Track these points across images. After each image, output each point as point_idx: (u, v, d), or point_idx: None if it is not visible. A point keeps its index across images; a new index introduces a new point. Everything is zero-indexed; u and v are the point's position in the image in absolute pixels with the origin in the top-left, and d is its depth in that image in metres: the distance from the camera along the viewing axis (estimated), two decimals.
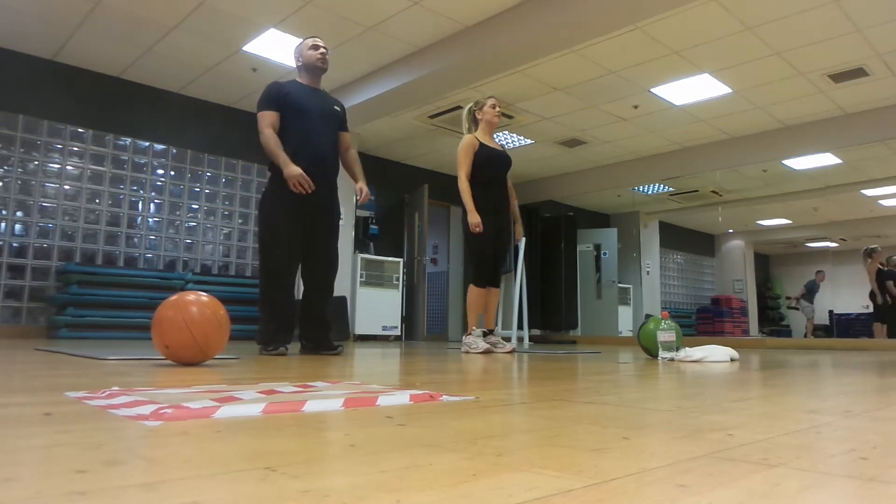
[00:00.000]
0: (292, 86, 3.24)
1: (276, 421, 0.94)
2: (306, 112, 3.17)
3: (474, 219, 3.88)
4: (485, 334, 4.11)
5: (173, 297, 2.15)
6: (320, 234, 3.25)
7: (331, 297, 3.38)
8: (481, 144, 4.03)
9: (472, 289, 4.09)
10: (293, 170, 3.00)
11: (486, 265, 4.04)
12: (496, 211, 4.02)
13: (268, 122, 3.10)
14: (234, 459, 0.66)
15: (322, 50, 3.30)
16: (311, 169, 3.08)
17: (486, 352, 3.93)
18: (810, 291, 9.83)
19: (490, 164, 4.03)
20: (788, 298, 10.26)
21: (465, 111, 4.24)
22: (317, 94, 3.30)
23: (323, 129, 3.24)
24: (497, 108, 4.14)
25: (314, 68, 3.30)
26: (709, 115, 6.71)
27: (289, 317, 3.15)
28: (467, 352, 3.96)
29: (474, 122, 4.16)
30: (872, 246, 8.02)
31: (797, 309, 9.91)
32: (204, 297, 2.17)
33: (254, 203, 6.94)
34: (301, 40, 3.41)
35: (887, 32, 4.88)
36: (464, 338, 4.13)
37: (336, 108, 3.36)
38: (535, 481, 0.58)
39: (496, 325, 4.40)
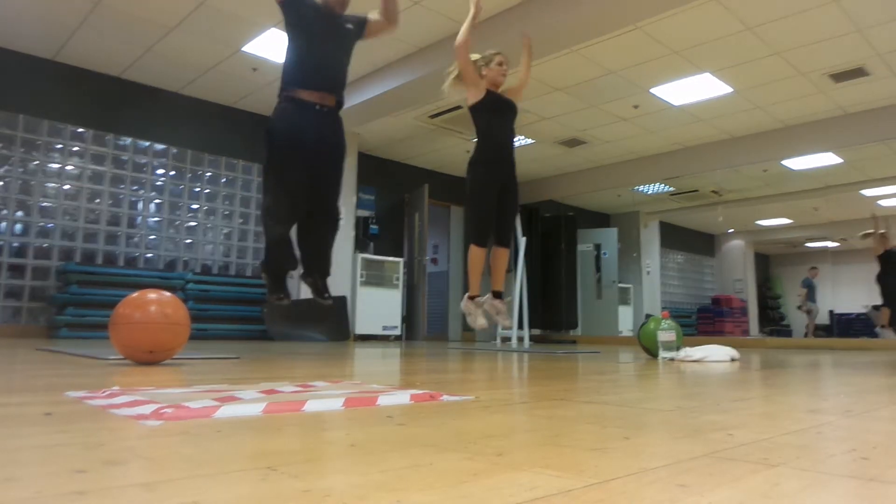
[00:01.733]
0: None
1: (276, 421, 0.94)
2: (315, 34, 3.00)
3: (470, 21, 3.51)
4: (494, 296, 3.73)
5: (125, 309, 2.13)
6: (326, 167, 3.05)
7: (334, 232, 3.17)
8: (488, 91, 3.66)
9: (472, 249, 3.63)
10: None
11: (486, 220, 3.59)
12: (500, 160, 3.62)
13: None
14: (234, 459, 0.66)
15: None
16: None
17: (485, 326, 3.68)
18: (810, 289, 9.82)
19: (496, 109, 3.68)
20: (799, 308, 10.22)
21: (456, 66, 3.74)
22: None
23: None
24: (504, 67, 3.75)
25: None
26: (709, 115, 6.71)
27: (287, 265, 3.05)
28: (470, 315, 3.69)
29: (482, 71, 3.73)
30: (868, 231, 8.04)
31: (809, 311, 9.89)
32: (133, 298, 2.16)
33: (254, 203, 6.94)
34: None
35: (887, 32, 4.88)
36: (463, 302, 3.77)
37: (348, 25, 3.13)
38: (535, 481, 0.58)
39: (508, 294, 4.02)
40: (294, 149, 2.89)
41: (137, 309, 2.10)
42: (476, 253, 3.60)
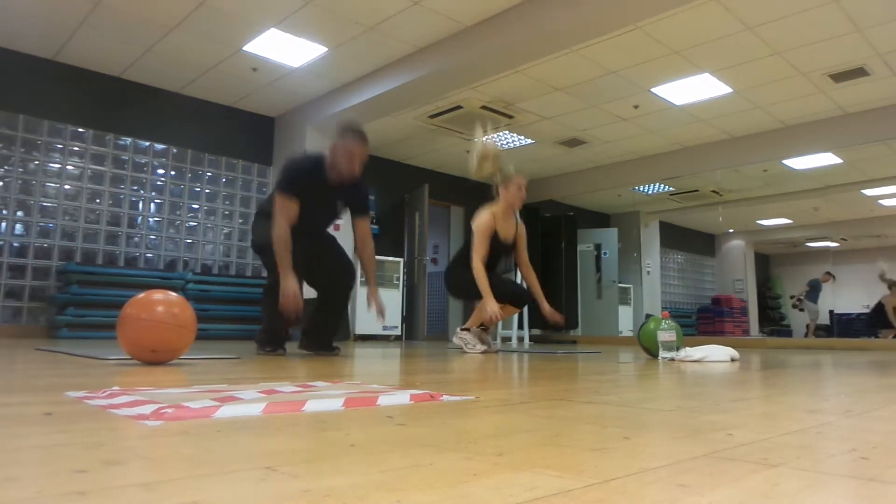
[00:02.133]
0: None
1: (276, 421, 0.94)
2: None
3: (492, 307, 3.73)
4: (482, 329, 4.05)
5: (132, 309, 2.14)
6: (329, 251, 3.25)
7: (347, 299, 3.32)
8: (495, 232, 3.94)
9: (488, 301, 3.84)
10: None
11: (505, 297, 3.95)
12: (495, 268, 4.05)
13: None
14: (234, 459, 0.66)
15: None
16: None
17: (483, 352, 3.89)
18: (814, 289, 9.80)
19: (497, 252, 4.00)
20: (792, 297, 10.20)
21: (489, 158, 3.92)
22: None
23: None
24: (523, 192, 3.97)
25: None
26: (709, 114, 6.71)
27: (289, 322, 3.13)
28: (462, 349, 3.93)
29: (496, 192, 4.00)
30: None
31: (802, 310, 9.89)
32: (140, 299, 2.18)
33: (254, 203, 6.95)
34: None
35: (887, 32, 4.88)
36: (459, 331, 4.05)
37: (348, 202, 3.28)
38: (535, 481, 0.58)
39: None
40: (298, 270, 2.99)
41: (145, 306, 2.11)
42: (493, 304, 3.83)
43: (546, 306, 4.02)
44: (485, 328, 4.08)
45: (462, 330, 4.06)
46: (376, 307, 3.19)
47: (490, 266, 3.96)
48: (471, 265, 3.87)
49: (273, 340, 3.12)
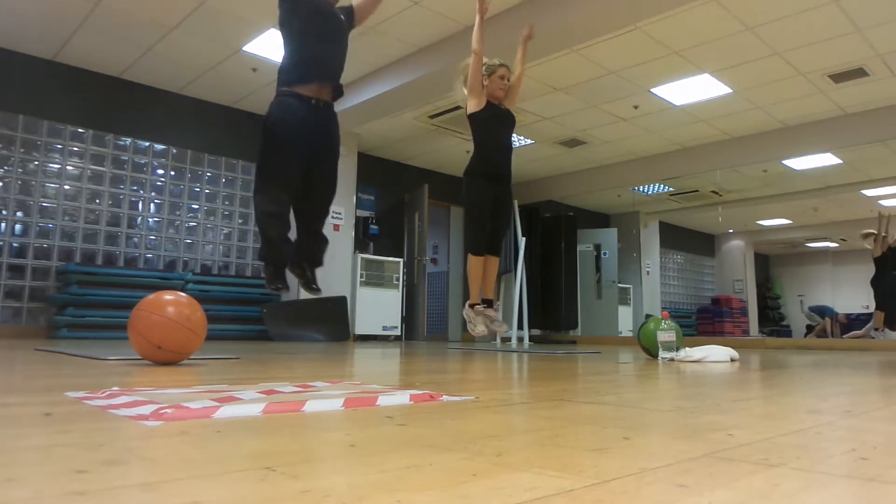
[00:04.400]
0: None
1: (276, 421, 0.94)
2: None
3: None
4: (485, 305, 3.89)
5: (145, 306, 2.15)
6: (322, 158, 3.07)
7: (326, 218, 3.17)
8: (488, 102, 3.72)
9: (470, 258, 3.81)
10: None
11: (483, 232, 3.75)
12: (497, 177, 3.74)
13: None
14: (234, 459, 0.66)
15: None
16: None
17: (481, 335, 3.82)
18: (824, 312, 9.83)
19: (495, 122, 3.77)
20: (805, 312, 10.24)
21: (469, 66, 3.77)
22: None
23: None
24: (505, 81, 3.80)
25: None
26: (709, 115, 6.71)
27: (284, 254, 3.01)
28: (470, 322, 3.84)
29: (485, 81, 3.78)
30: (869, 230, 8.03)
31: (810, 318, 9.92)
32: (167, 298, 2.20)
33: (254, 203, 6.94)
34: None
35: (887, 32, 4.88)
36: (465, 309, 3.94)
37: (341, 16, 3.16)
38: (535, 481, 0.58)
39: (497, 298, 4.22)
40: (291, 143, 2.89)
41: (159, 304, 2.14)
42: (474, 262, 3.77)
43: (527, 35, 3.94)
44: (487, 303, 3.88)
45: (469, 306, 3.89)
46: None
47: (488, 140, 3.75)
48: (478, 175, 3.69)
49: (277, 273, 2.97)
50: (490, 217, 3.73)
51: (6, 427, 0.84)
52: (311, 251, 3.14)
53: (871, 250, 7.95)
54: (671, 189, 9.21)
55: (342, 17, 3.16)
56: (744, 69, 5.58)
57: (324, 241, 3.17)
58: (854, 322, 8.84)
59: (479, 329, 3.81)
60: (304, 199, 3.06)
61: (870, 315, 8.21)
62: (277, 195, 2.94)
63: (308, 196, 3.07)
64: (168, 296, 2.20)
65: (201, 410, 0.98)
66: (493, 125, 3.76)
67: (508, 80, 3.84)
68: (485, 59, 3.82)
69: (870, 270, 8.00)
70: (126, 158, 6.16)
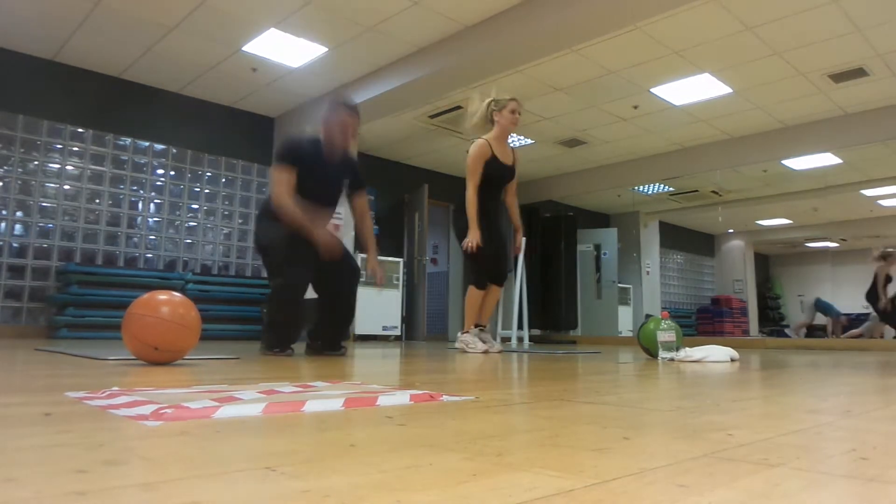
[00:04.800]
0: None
1: (276, 421, 0.94)
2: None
3: (475, 235, 3.76)
4: (479, 328, 4.07)
5: (140, 305, 2.16)
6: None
7: (354, 302, 3.27)
8: (493, 156, 3.88)
9: (472, 290, 3.99)
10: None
11: (486, 264, 3.92)
12: (492, 215, 3.98)
13: None
14: (234, 459, 0.66)
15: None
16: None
17: (484, 352, 3.89)
18: (819, 307, 9.82)
19: (496, 179, 3.95)
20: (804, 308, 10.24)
21: (481, 105, 3.94)
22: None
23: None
24: (517, 114, 3.91)
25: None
26: (709, 115, 6.71)
27: (299, 322, 3.11)
28: (464, 350, 3.93)
29: (490, 122, 3.94)
30: (889, 249, 8.01)
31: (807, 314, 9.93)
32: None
33: (254, 203, 6.94)
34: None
35: (887, 32, 4.88)
36: (460, 335, 4.09)
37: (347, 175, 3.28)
38: (535, 481, 0.58)
39: (494, 323, 4.36)
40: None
41: (151, 305, 2.13)
42: (475, 295, 3.98)
43: (519, 236, 4.22)
44: (481, 328, 4.07)
45: (463, 333, 4.07)
46: (375, 273, 3.20)
47: (491, 196, 3.93)
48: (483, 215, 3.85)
49: (282, 340, 3.06)
50: (494, 250, 3.93)
51: (6, 427, 0.84)
52: (332, 336, 3.22)
53: (879, 267, 7.92)
54: (671, 189, 9.21)
55: (348, 175, 3.27)
56: (744, 69, 5.58)
57: (345, 328, 3.27)
58: (854, 322, 8.85)
59: (479, 348, 3.94)
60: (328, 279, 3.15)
61: (868, 315, 8.22)
62: (295, 294, 3.02)
63: (332, 278, 3.15)
64: (161, 296, 2.19)
65: (201, 410, 0.98)
66: (491, 186, 3.95)
67: (520, 114, 3.97)
68: (495, 94, 3.97)
69: (870, 270, 8.00)
70: (126, 158, 6.16)
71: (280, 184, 2.93)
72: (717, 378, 2.06)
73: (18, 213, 5.54)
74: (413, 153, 8.18)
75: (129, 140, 6.18)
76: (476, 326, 4.05)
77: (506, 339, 6.55)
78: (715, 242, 11.21)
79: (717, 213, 9.83)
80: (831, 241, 9.86)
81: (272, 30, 5.14)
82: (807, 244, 10.63)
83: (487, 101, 3.96)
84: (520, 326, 6.51)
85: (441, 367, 2.44)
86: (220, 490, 0.53)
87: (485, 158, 3.86)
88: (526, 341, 6.49)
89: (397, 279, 7.49)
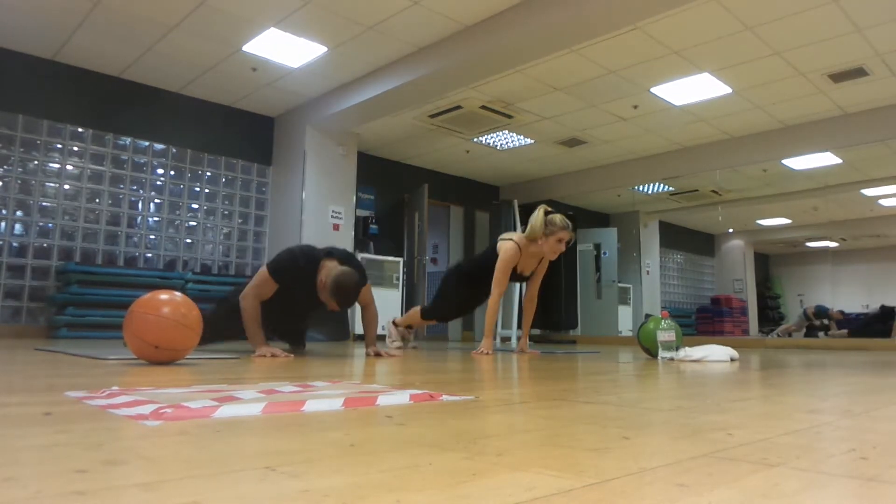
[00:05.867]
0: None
1: (276, 421, 0.94)
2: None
3: (488, 345, 3.81)
4: (408, 328, 4.57)
5: (140, 305, 2.17)
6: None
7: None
8: (516, 266, 3.94)
9: (417, 313, 4.44)
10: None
11: (447, 309, 4.42)
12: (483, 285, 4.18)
13: None
14: (234, 459, 0.66)
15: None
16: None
17: (398, 348, 4.36)
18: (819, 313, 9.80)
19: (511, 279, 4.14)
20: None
21: (539, 215, 3.86)
22: None
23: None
24: (562, 245, 3.86)
25: None
26: (709, 115, 6.71)
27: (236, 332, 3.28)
28: (393, 341, 4.48)
29: (543, 235, 3.85)
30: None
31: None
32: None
33: (254, 203, 6.95)
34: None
35: (887, 32, 4.88)
36: (390, 323, 4.56)
37: None
38: (534, 481, 0.58)
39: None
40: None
41: (154, 303, 2.14)
42: (420, 320, 4.45)
43: (524, 342, 4.27)
44: (410, 328, 4.54)
45: (392, 323, 4.52)
46: (375, 353, 3.33)
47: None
48: (474, 281, 4.15)
49: (214, 339, 3.36)
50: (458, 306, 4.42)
51: (6, 427, 0.85)
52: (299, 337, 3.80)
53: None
54: (671, 189, 9.21)
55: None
56: (744, 69, 5.58)
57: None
58: (853, 321, 8.84)
59: (395, 344, 4.46)
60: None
61: (869, 315, 8.22)
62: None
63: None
64: (163, 295, 2.20)
65: (201, 410, 0.98)
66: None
67: (566, 245, 3.98)
68: (559, 218, 3.92)
69: (870, 270, 8.00)
70: (126, 158, 6.16)
71: (257, 287, 3.05)
72: (717, 378, 2.06)
73: (18, 213, 5.54)
74: (413, 153, 8.18)
75: (128, 140, 6.18)
76: (408, 328, 4.57)
77: (506, 339, 6.55)
78: (715, 242, 11.21)
79: (717, 213, 9.83)
80: (831, 240, 9.86)
81: (272, 29, 5.14)
82: (807, 244, 10.63)
83: (547, 216, 3.88)
84: (519, 326, 6.51)
85: (441, 367, 2.44)
86: (220, 490, 0.53)
87: (514, 263, 3.91)
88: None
89: (397, 279, 7.49)
